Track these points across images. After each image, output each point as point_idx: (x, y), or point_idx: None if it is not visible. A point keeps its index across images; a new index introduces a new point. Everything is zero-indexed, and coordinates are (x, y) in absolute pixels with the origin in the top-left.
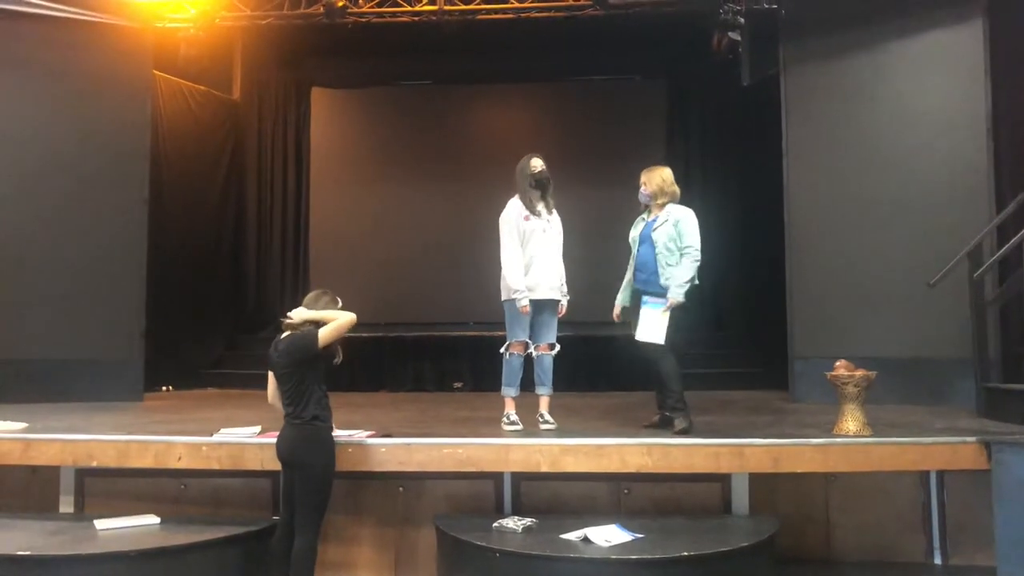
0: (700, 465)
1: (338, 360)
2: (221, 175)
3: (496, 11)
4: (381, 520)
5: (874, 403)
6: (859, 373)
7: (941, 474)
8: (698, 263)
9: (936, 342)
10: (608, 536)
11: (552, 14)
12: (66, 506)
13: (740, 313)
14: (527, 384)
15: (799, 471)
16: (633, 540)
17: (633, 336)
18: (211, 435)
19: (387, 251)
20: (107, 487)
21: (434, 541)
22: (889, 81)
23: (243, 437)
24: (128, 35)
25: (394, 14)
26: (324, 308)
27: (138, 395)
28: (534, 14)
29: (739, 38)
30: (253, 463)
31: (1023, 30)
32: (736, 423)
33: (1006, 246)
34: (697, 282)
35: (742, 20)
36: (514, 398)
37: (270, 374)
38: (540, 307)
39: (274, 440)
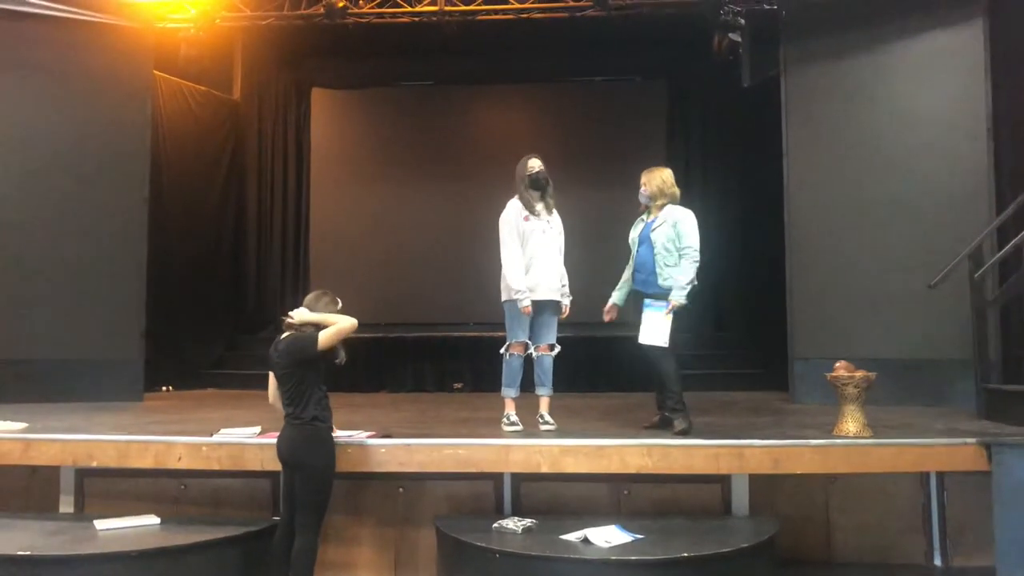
0: (700, 466)
1: (341, 360)
2: (221, 175)
3: (496, 11)
4: (381, 520)
5: (874, 404)
6: (859, 374)
7: (941, 475)
8: (697, 264)
9: (936, 343)
10: (608, 537)
11: (553, 15)
12: (66, 506)
13: (740, 314)
14: (527, 385)
15: (799, 472)
16: (633, 541)
17: (635, 338)
18: (211, 435)
19: (387, 251)
20: (107, 487)
21: (434, 542)
22: (889, 82)
23: (243, 437)
24: (128, 35)
25: (394, 15)
26: (325, 308)
27: (138, 395)
28: (535, 15)
29: (739, 39)
30: (253, 463)
31: (1023, 31)
32: (736, 424)
33: (1006, 247)
34: (696, 283)
35: (742, 21)
36: (514, 399)
37: (271, 374)
38: (540, 308)
39: (274, 440)
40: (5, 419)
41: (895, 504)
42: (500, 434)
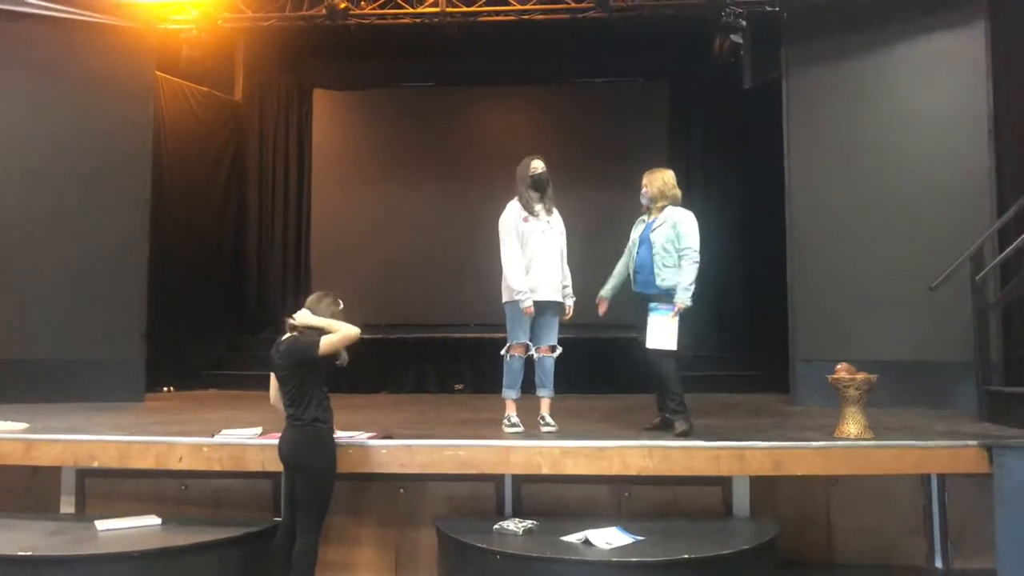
0: (701, 468)
1: (343, 362)
2: (223, 176)
3: (498, 13)
4: (382, 521)
5: (875, 406)
6: (860, 376)
7: (942, 477)
8: (697, 264)
9: (937, 345)
10: (609, 538)
11: (554, 16)
12: (67, 507)
13: (741, 315)
14: (528, 386)
15: (800, 474)
16: (634, 542)
17: (636, 339)
18: (212, 436)
19: (388, 253)
20: (108, 488)
21: (435, 542)
22: (891, 83)
23: (244, 438)
24: (130, 36)
25: (396, 16)
26: (327, 309)
27: (139, 396)
28: (536, 16)
29: (741, 41)
30: (254, 464)
31: None
32: (737, 426)
33: (1008, 249)
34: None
35: (744, 23)
36: (515, 400)
37: (272, 375)
38: (541, 309)
39: (275, 441)
40: (6, 419)
41: (896, 506)
42: (501, 435)
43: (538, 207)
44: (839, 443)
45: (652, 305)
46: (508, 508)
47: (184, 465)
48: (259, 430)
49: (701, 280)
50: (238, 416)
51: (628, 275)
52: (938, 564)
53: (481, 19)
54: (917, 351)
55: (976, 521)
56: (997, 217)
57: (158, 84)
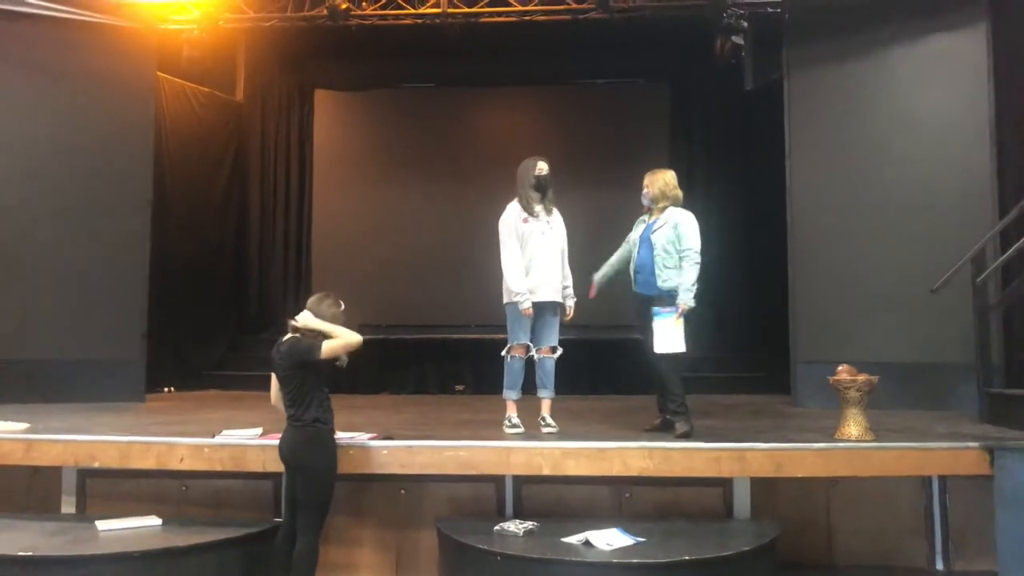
0: (702, 469)
1: (342, 364)
2: (224, 176)
3: (499, 14)
4: (383, 522)
5: (876, 408)
6: (861, 378)
7: (943, 479)
8: (699, 265)
9: (939, 347)
10: (609, 540)
11: (555, 17)
12: (68, 507)
13: (742, 317)
14: (529, 387)
15: (801, 475)
16: (634, 544)
17: (636, 340)
18: (213, 436)
19: (389, 253)
20: (109, 488)
21: (435, 543)
22: (892, 85)
23: (245, 439)
24: (132, 37)
25: (397, 16)
26: (328, 310)
27: (140, 396)
28: (537, 17)
29: (742, 42)
30: (255, 465)
31: None
32: (738, 427)
33: (1009, 250)
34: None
35: (745, 24)
36: (515, 401)
37: (273, 376)
38: (541, 309)
39: (276, 442)
40: (7, 419)
41: (897, 508)
42: (502, 436)
43: (538, 208)
44: (840, 444)
45: (655, 310)
46: (509, 509)
47: (185, 465)
48: (260, 431)
49: (702, 281)
50: (239, 416)
51: (623, 268)
52: (939, 566)
53: (482, 20)
54: (918, 353)
55: (977, 523)
56: (999, 219)
57: (159, 84)
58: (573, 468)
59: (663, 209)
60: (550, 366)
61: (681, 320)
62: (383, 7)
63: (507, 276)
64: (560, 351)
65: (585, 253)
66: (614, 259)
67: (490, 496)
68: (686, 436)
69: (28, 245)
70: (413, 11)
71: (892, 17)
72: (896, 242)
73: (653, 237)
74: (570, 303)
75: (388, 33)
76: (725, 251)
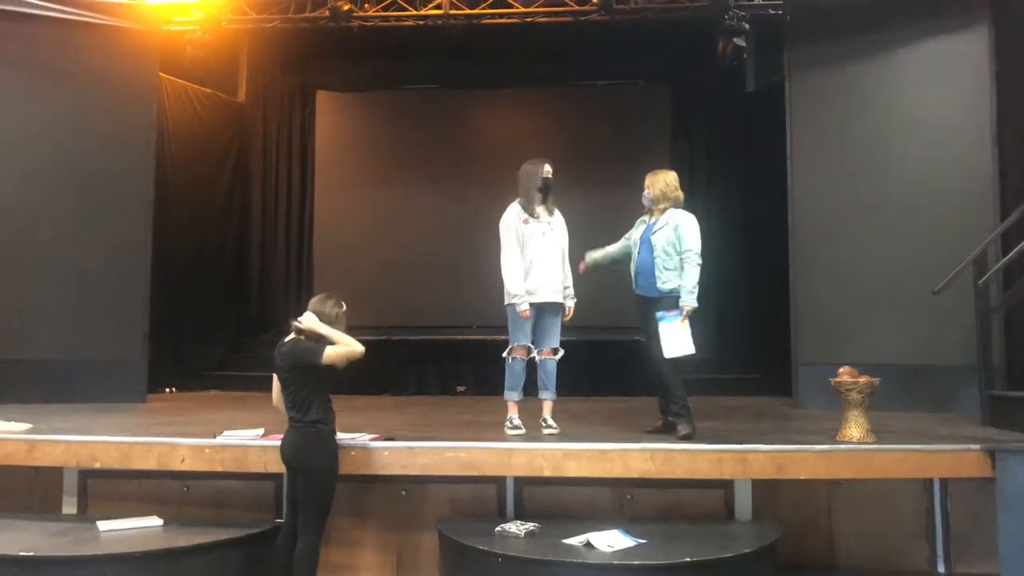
0: (703, 471)
1: (341, 367)
2: (226, 177)
3: (501, 15)
4: (384, 523)
5: (878, 410)
6: (863, 380)
7: (945, 482)
8: (699, 267)
9: (940, 349)
10: (611, 541)
11: (557, 19)
12: (69, 507)
13: (744, 318)
14: (530, 388)
15: (802, 477)
16: (636, 545)
17: (638, 342)
18: (214, 437)
19: (391, 254)
20: (110, 488)
21: (436, 545)
22: (894, 87)
23: (246, 439)
24: (134, 38)
25: (399, 18)
26: (331, 310)
27: (141, 396)
28: (539, 19)
29: (744, 44)
30: (256, 465)
31: None
32: (739, 429)
33: (1011, 253)
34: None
35: (747, 26)
36: (517, 402)
37: (275, 376)
38: (543, 311)
39: (277, 443)
40: (9, 420)
41: (898, 510)
42: (503, 437)
43: (539, 209)
44: (841, 447)
45: (659, 315)
46: (510, 510)
47: (186, 466)
48: (261, 431)
49: (703, 283)
50: (240, 417)
51: (619, 259)
52: (940, 569)
53: (484, 21)
54: (920, 355)
55: (979, 526)
56: (1000, 220)
57: (162, 85)
58: (574, 469)
59: (664, 210)
60: (551, 367)
61: (687, 322)
62: (385, 8)
63: (505, 278)
64: (562, 352)
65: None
66: (612, 249)
67: (491, 497)
68: (688, 438)
69: (30, 245)
70: (415, 12)
71: (893, 19)
72: (897, 244)
73: (653, 239)
74: (570, 304)
75: (390, 34)
76: (726, 253)
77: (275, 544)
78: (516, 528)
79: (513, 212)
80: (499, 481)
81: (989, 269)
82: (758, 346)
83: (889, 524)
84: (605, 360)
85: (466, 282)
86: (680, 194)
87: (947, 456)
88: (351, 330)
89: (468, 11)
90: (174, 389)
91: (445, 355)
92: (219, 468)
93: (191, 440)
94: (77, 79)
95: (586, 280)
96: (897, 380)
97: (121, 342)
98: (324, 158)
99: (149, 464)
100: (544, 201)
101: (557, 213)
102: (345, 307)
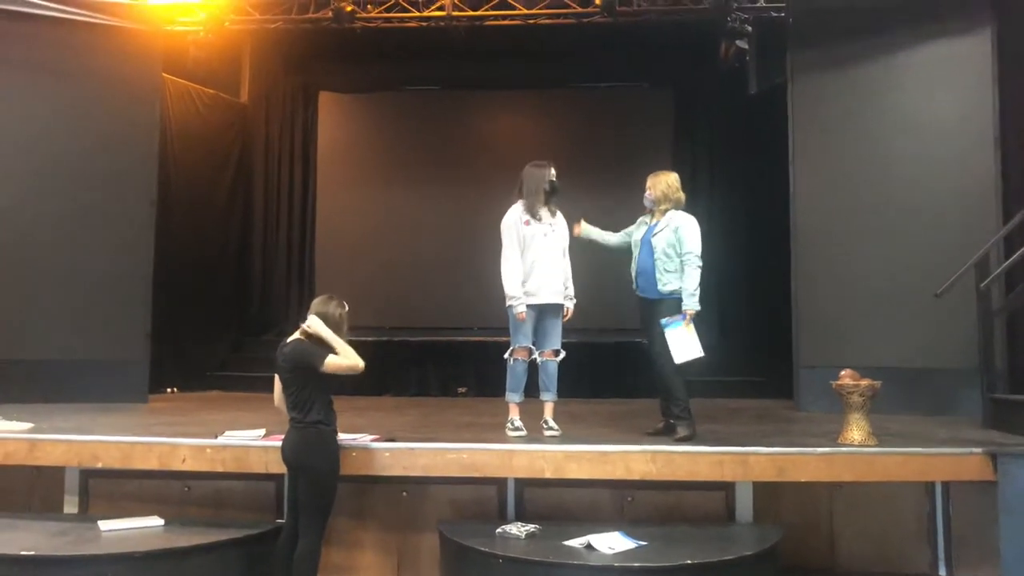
0: (704, 473)
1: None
2: (228, 178)
3: (504, 17)
4: (384, 524)
5: (879, 413)
6: (864, 383)
7: (947, 485)
8: (700, 269)
9: (942, 352)
10: (611, 543)
11: (560, 21)
12: (70, 507)
13: (746, 321)
14: (531, 390)
15: (804, 480)
16: (636, 547)
17: (640, 344)
18: (215, 437)
19: (392, 255)
20: (111, 488)
21: (437, 546)
22: (896, 90)
23: (247, 440)
24: (138, 38)
25: (402, 19)
26: (335, 311)
27: (143, 396)
28: (542, 20)
29: (746, 46)
30: (257, 466)
31: None
32: (741, 431)
33: (1014, 256)
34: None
35: (749, 28)
36: (518, 404)
37: (276, 377)
38: (543, 312)
39: (278, 443)
40: (11, 419)
41: (900, 513)
42: (504, 439)
43: (542, 211)
44: (843, 449)
45: (663, 322)
46: (511, 512)
47: (187, 466)
48: (262, 432)
49: (705, 285)
50: (241, 417)
51: (614, 247)
52: (942, 572)
53: (487, 23)
54: (922, 358)
55: (980, 529)
56: (1002, 223)
57: (165, 86)
58: (575, 471)
59: (665, 212)
60: (553, 369)
61: (691, 326)
62: (388, 10)
63: (504, 279)
64: (563, 354)
65: (586, 257)
66: (611, 240)
67: (492, 499)
68: (687, 440)
69: (32, 245)
70: (418, 14)
71: (896, 22)
72: (899, 246)
73: (654, 240)
74: (569, 305)
75: (392, 36)
76: (728, 255)
77: (276, 545)
78: (517, 529)
79: (515, 213)
80: (500, 482)
81: (991, 272)
82: (760, 348)
83: (890, 527)
84: (606, 362)
85: (467, 283)
86: (681, 195)
87: (949, 459)
88: (352, 330)
89: (471, 13)
90: (175, 389)
91: (446, 356)
92: (220, 468)
93: (192, 440)
94: (80, 79)
95: (587, 283)
96: (899, 383)
97: (123, 342)
98: (326, 159)
99: (150, 464)
100: (548, 203)
101: (559, 214)
102: (347, 307)
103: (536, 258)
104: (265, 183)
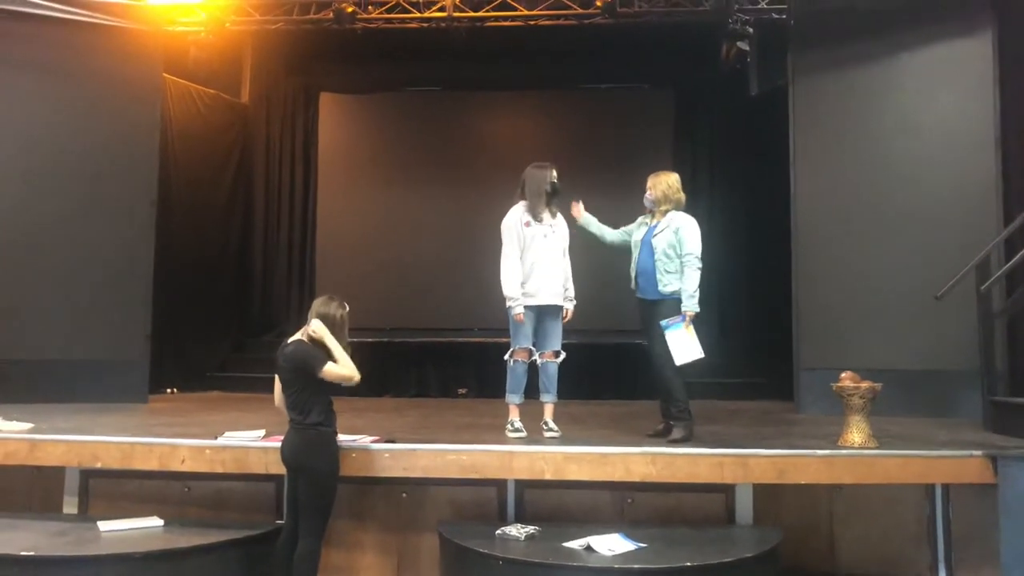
0: (704, 475)
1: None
2: (229, 178)
3: (505, 18)
4: (384, 525)
5: (880, 415)
6: (865, 385)
7: (947, 487)
8: (700, 270)
9: (943, 354)
10: (611, 545)
11: (561, 22)
12: (70, 507)
13: (746, 323)
14: (531, 391)
15: (804, 482)
16: (636, 549)
17: (639, 345)
18: (215, 438)
19: (393, 256)
20: (111, 489)
21: (437, 547)
22: (897, 92)
23: (247, 440)
24: (139, 38)
25: (403, 20)
26: (336, 311)
27: (143, 397)
28: (543, 21)
29: (747, 48)
30: (257, 467)
31: None
32: (741, 433)
33: (1014, 258)
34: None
35: (751, 30)
36: (518, 405)
37: (276, 377)
38: (544, 313)
39: (278, 444)
40: (11, 419)
41: (900, 516)
42: (504, 440)
43: (543, 212)
44: (843, 452)
45: (663, 324)
46: (511, 513)
47: (187, 467)
48: (262, 432)
49: (705, 286)
50: (241, 418)
51: (610, 243)
52: (942, 574)
53: (488, 24)
54: (922, 360)
55: (980, 532)
56: (1003, 226)
57: (165, 86)
58: (575, 473)
59: (665, 212)
60: (553, 370)
61: (691, 327)
62: (389, 10)
63: (502, 280)
64: (563, 355)
65: (586, 257)
66: (609, 236)
67: (492, 500)
68: (682, 441)
69: (32, 245)
70: (419, 15)
71: (897, 23)
72: (900, 249)
73: (654, 241)
74: (569, 306)
75: (393, 36)
76: (728, 256)
77: (276, 546)
78: (517, 531)
79: (515, 214)
80: (500, 484)
81: (992, 274)
82: (760, 350)
83: (890, 529)
84: (607, 363)
85: (468, 284)
86: (682, 196)
87: (949, 462)
88: (352, 331)
89: (472, 13)
90: (176, 389)
91: (446, 357)
92: (220, 469)
93: (192, 441)
94: (81, 79)
95: (587, 284)
96: (899, 385)
97: (123, 342)
98: (327, 160)
99: (150, 464)
100: (549, 204)
101: (559, 216)
102: (348, 308)
103: (536, 259)
104: (266, 183)
